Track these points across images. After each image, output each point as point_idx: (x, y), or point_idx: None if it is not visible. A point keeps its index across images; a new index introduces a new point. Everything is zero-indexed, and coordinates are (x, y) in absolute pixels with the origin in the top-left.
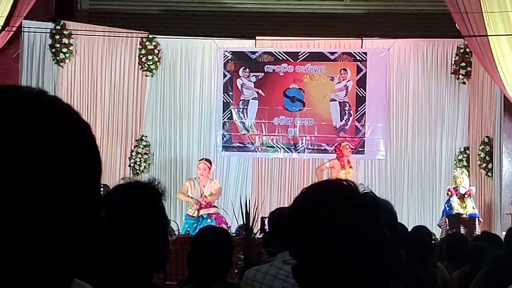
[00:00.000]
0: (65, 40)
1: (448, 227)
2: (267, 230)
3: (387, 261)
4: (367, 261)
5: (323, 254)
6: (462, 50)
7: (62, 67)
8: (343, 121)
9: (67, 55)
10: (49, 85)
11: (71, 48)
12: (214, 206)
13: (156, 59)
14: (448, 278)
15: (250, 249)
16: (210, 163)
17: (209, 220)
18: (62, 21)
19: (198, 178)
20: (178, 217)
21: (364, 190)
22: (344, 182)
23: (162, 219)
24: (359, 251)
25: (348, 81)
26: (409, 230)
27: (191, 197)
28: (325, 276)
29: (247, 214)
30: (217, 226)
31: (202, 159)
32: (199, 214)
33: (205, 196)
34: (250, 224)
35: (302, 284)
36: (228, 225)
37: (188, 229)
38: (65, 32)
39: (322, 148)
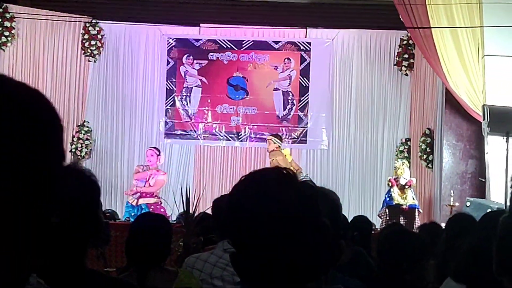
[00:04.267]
0: (7, 23)
1: (388, 218)
2: (207, 218)
3: (325, 251)
4: (304, 250)
5: (260, 242)
6: (405, 42)
7: (4, 50)
8: (286, 110)
9: (9, 38)
10: None
11: (13, 31)
12: (156, 197)
13: (99, 45)
14: None
15: (190, 237)
16: (159, 151)
17: (146, 210)
18: (4, 4)
19: (148, 165)
20: (118, 205)
21: (303, 178)
22: (283, 170)
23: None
24: (296, 240)
25: (292, 70)
26: (350, 220)
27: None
28: (262, 264)
29: (187, 202)
30: (158, 214)
31: (151, 147)
32: (138, 203)
33: (149, 185)
34: (191, 212)
35: (239, 272)
36: (168, 215)
37: (128, 217)
38: (7, 15)
39: (265, 137)
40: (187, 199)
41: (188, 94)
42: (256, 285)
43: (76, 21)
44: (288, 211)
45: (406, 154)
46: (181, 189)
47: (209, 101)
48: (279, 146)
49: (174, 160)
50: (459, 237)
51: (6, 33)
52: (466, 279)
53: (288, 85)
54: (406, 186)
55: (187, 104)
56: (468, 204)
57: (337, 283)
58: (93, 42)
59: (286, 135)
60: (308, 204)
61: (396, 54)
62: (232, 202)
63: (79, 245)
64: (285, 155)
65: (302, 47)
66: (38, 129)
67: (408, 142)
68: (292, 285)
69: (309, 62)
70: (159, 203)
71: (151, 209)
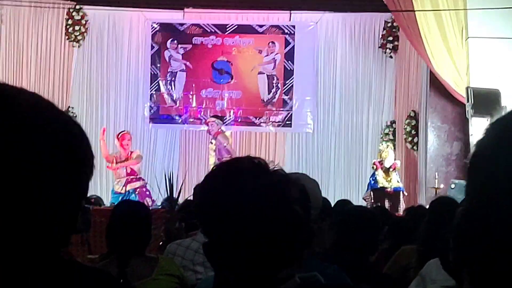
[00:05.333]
0: None
1: (372, 201)
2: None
3: (297, 238)
4: (275, 238)
5: (231, 231)
6: (389, 24)
7: None
8: (271, 94)
9: None
10: None
11: None
12: (141, 179)
13: (83, 30)
14: None
15: (172, 222)
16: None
17: (133, 196)
18: None
19: (118, 152)
20: (104, 192)
21: (274, 167)
22: (254, 160)
23: None
24: (267, 229)
25: (276, 54)
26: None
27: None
28: (234, 253)
29: (171, 187)
30: (137, 200)
31: (124, 131)
32: (127, 190)
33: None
34: (175, 197)
35: (211, 261)
36: (153, 199)
37: (114, 203)
38: None
39: (250, 120)
40: (171, 185)
41: (173, 79)
42: (229, 274)
43: (59, 7)
44: (258, 201)
45: (391, 137)
46: (165, 174)
47: (193, 85)
48: (222, 129)
49: (159, 145)
50: (440, 221)
51: None
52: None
53: (273, 69)
54: (391, 169)
55: (171, 88)
56: (453, 186)
57: (313, 269)
58: (77, 28)
59: (271, 118)
60: (279, 193)
61: (380, 36)
62: (203, 192)
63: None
64: (228, 138)
65: (286, 31)
66: (76, 171)
67: (393, 125)
68: (265, 272)
69: (294, 46)
70: (145, 185)
71: (137, 192)
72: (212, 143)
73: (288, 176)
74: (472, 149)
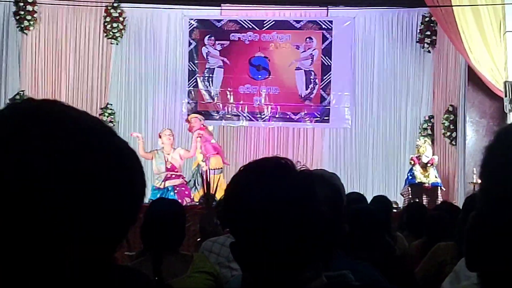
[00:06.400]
0: (29, 7)
1: (410, 196)
2: None
3: (324, 238)
4: (301, 240)
5: (256, 232)
6: (427, 19)
7: (27, 34)
8: (309, 89)
9: (31, 22)
10: (14, 52)
11: (35, 15)
12: (181, 176)
13: (121, 27)
14: (407, 247)
15: (207, 219)
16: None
17: (171, 194)
18: None
19: (162, 148)
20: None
21: (301, 167)
22: (281, 160)
23: None
24: (292, 229)
25: (314, 49)
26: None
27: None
28: (261, 253)
29: (208, 184)
30: (171, 198)
31: (167, 128)
32: (165, 186)
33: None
34: (211, 194)
35: (239, 261)
36: (192, 198)
37: (153, 199)
38: (29, 0)
39: (288, 116)
40: (208, 182)
41: (210, 75)
42: (256, 274)
43: (97, 5)
44: (284, 202)
45: (429, 132)
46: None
47: (231, 81)
48: (204, 125)
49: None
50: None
51: (29, 17)
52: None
53: (310, 65)
54: (428, 164)
55: (209, 85)
56: None
57: (344, 267)
58: (115, 25)
59: (308, 114)
60: (305, 193)
61: (418, 31)
62: (230, 193)
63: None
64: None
65: (323, 26)
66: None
67: (431, 120)
68: (290, 272)
69: (331, 41)
70: (184, 183)
71: (176, 191)
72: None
73: (314, 176)
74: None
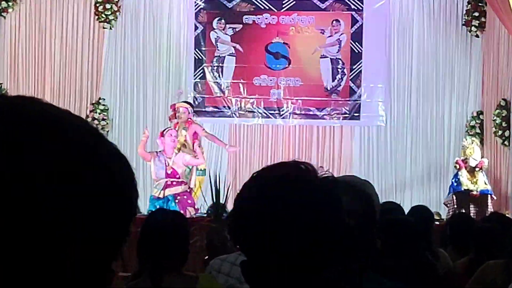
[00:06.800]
0: None
1: (455, 206)
2: None
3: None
4: (323, 256)
5: (270, 248)
6: None
7: (5, 17)
8: (336, 81)
9: (10, 3)
10: None
11: None
12: (183, 183)
13: (116, 9)
14: (451, 265)
15: (216, 234)
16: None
17: (172, 204)
18: None
19: (162, 150)
20: (140, 196)
21: (324, 174)
22: (301, 165)
23: None
24: (313, 246)
25: (341, 34)
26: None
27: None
28: (274, 272)
29: (217, 191)
30: (172, 210)
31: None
32: (165, 195)
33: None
34: (222, 203)
35: (249, 281)
36: (196, 208)
37: (152, 210)
38: None
39: (311, 113)
40: (217, 189)
41: (220, 65)
42: None
43: None
44: (303, 213)
45: (477, 130)
46: (209, 177)
47: (244, 72)
48: (191, 119)
49: (204, 142)
50: None
51: None
52: None
53: (337, 52)
54: (477, 169)
55: (219, 76)
56: None
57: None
58: (108, 6)
59: (336, 110)
60: (328, 205)
61: (464, 12)
62: (240, 203)
63: None
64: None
65: (353, 7)
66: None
67: (480, 116)
68: (304, 275)
69: (362, 24)
70: (188, 191)
71: (177, 201)
72: (182, 134)
73: (340, 183)
74: None
